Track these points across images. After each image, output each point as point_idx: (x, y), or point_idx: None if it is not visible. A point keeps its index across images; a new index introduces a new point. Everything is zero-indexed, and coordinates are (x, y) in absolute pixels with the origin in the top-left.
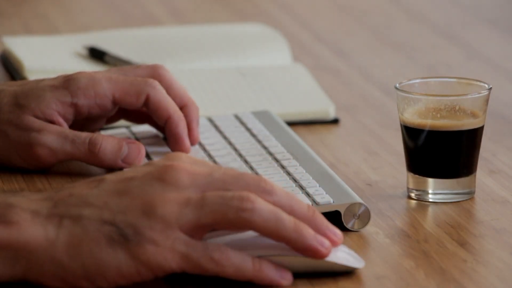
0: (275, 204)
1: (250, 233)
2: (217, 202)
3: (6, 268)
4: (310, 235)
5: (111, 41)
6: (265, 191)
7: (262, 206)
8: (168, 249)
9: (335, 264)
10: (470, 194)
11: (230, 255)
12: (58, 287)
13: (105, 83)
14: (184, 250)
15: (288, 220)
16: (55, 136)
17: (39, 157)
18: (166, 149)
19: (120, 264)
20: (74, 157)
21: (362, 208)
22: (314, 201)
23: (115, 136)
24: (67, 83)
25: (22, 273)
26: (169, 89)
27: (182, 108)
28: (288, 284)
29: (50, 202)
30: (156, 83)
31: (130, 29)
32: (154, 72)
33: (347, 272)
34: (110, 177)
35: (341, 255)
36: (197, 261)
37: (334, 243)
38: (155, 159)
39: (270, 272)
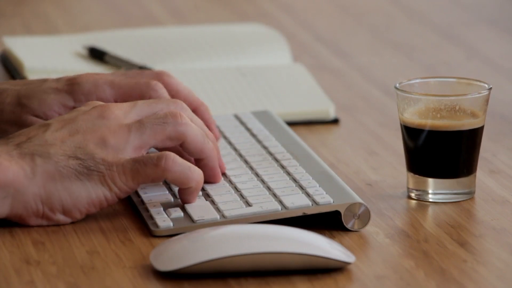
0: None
1: (248, 230)
2: (155, 122)
3: None
4: (216, 156)
5: (111, 41)
6: (183, 109)
7: (190, 123)
8: (121, 171)
9: (330, 259)
10: (470, 194)
11: (176, 161)
12: (37, 223)
13: (108, 89)
14: (134, 167)
15: (209, 137)
16: None
17: None
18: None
19: (89, 193)
20: None
21: (362, 208)
22: (314, 201)
23: None
24: (71, 87)
25: (8, 210)
26: (177, 95)
27: (194, 111)
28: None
29: (13, 145)
30: (159, 85)
31: (130, 29)
32: (159, 79)
33: (340, 268)
34: (54, 121)
35: (334, 252)
36: (145, 173)
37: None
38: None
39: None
